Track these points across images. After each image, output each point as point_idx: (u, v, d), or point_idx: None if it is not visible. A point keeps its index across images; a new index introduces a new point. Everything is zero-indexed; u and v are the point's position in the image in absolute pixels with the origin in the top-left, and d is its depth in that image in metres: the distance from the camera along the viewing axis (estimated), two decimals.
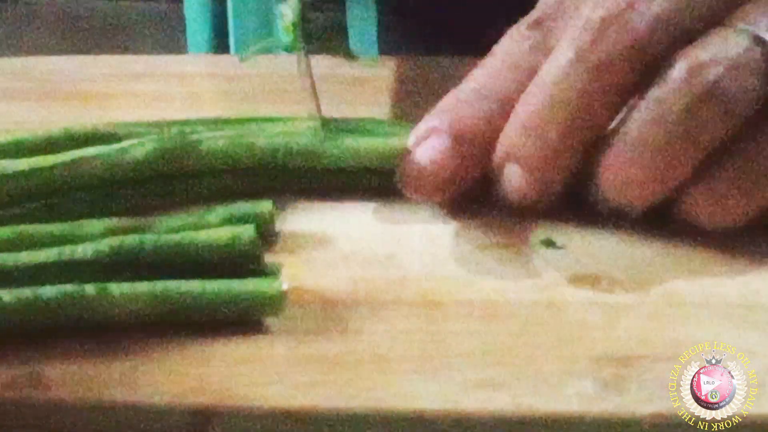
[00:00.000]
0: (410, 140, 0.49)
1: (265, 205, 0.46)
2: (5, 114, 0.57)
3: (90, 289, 0.40)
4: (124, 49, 1.69)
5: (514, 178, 0.47)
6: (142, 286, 0.41)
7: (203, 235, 0.43)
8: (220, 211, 0.46)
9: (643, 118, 0.45)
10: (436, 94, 0.58)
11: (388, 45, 0.87)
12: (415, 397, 0.39)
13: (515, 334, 0.42)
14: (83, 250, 0.42)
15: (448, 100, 0.49)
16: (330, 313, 0.43)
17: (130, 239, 0.42)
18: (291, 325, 0.41)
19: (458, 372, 0.40)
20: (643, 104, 0.45)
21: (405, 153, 0.48)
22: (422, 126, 0.49)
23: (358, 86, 0.59)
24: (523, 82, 0.48)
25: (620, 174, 0.46)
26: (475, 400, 0.38)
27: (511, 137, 0.47)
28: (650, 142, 0.45)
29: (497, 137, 0.48)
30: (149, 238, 0.43)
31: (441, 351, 0.41)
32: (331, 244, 0.47)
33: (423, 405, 0.38)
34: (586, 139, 0.46)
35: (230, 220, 0.45)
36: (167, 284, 0.41)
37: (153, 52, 0.64)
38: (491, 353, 0.41)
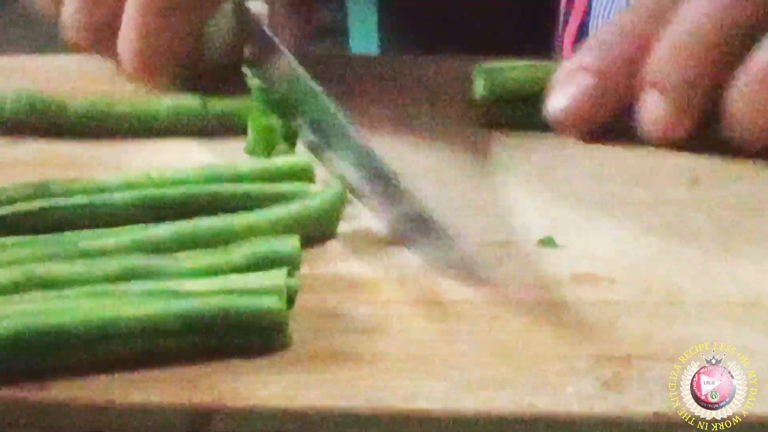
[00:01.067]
0: (559, 75, 0.54)
1: (292, 243, 0.44)
2: None
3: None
4: None
5: (654, 107, 0.53)
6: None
7: (230, 303, 0.40)
8: (245, 249, 0.43)
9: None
10: (436, 94, 0.58)
11: (388, 44, 0.87)
12: (415, 397, 0.39)
13: (515, 334, 0.42)
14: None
15: (595, 41, 0.55)
16: (330, 313, 0.43)
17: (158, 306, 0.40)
18: (291, 325, 0.41)
19: (459, 372, 0.40)
20: None
21: (552, 87, 0.54)
22: (571, 63, 0.54)
23: (358, 86, 0.59)
24: (664, 27, 0.52)
25: (743, 107, 0.51)
26: (476, 400, 0.38)
27: (654, 67, 0.52)
28: None
29: (637, 76, 0.53)
30: (176, 307, 0.40)
31: (441, 351, 0.41)
32: (330, 238, 0.47)
33: (423, 405, 0.38)
34: (720, 72, 0.51)
35: (256, 263, 0.43)
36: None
37: None
38: (491, 353, 0.41)
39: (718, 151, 0.54)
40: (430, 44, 0.78)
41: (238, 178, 0.48)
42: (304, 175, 0.49)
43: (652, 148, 0.54)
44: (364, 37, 1.33)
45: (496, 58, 0.56)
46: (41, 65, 0.62)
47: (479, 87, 0.55)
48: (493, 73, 0.55)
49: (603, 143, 0.55)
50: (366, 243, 0.47)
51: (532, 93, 0.55)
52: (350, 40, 1.37)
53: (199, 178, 0.48)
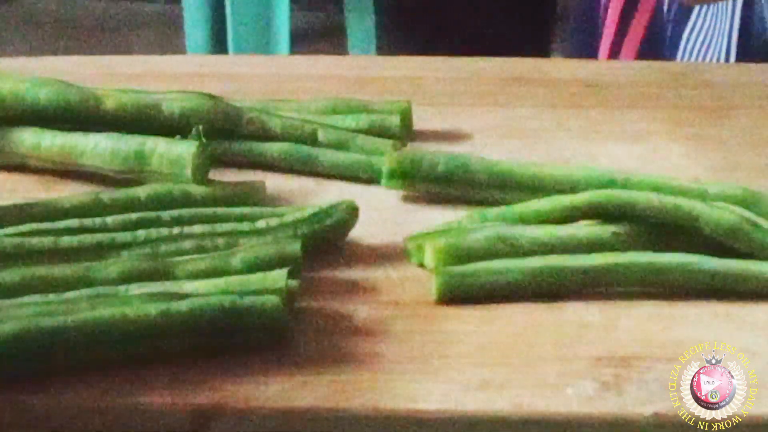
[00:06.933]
0: None
1: (293, 247, 0.44)
2: None
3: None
4: (124, 50, 1.69)
5: None
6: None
7: (231, 303, 0.40)
8: (244, 254, 0.43)
9: None
10: (436, 94, 0.58)
11: (387, 45, 0.88)
12: (415, 398, 0.39)
13: (515, 334, 0.42)
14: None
15: None
16: (330, 314, 0.43)
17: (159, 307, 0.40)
18: (291, 327, 0.41)
19: (458, 372, 0.40)
20: None
21: None
22: None
23: (358, 86, 0.59)
24: None
25: None
26: (476, 401, 0.39)
27: None
28: None
29: None
30: (183, 306, 0.40)
31: (441, 351, 0.41)
32: (332, 244, 0.47)
33: (423, 405, 0.38)
34: None
35: (256, 265, 0.43)
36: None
37: (152, 52, 0.64)
38: (491, 353, 0.41)
39: (718, 153, 0.54)
40: (430, 44, 0.78)
41: (191, 201, 0.48)
42: (252, 198, 0.48)
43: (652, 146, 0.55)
44: (361, 37, 1.33)
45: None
46: (41, 66, 0.62)
47: None
48: None
49: None
50: (366, 246, 0.47)
51: None
52: (348, 41, 1.37)
53: (152, 200, 0.47)
